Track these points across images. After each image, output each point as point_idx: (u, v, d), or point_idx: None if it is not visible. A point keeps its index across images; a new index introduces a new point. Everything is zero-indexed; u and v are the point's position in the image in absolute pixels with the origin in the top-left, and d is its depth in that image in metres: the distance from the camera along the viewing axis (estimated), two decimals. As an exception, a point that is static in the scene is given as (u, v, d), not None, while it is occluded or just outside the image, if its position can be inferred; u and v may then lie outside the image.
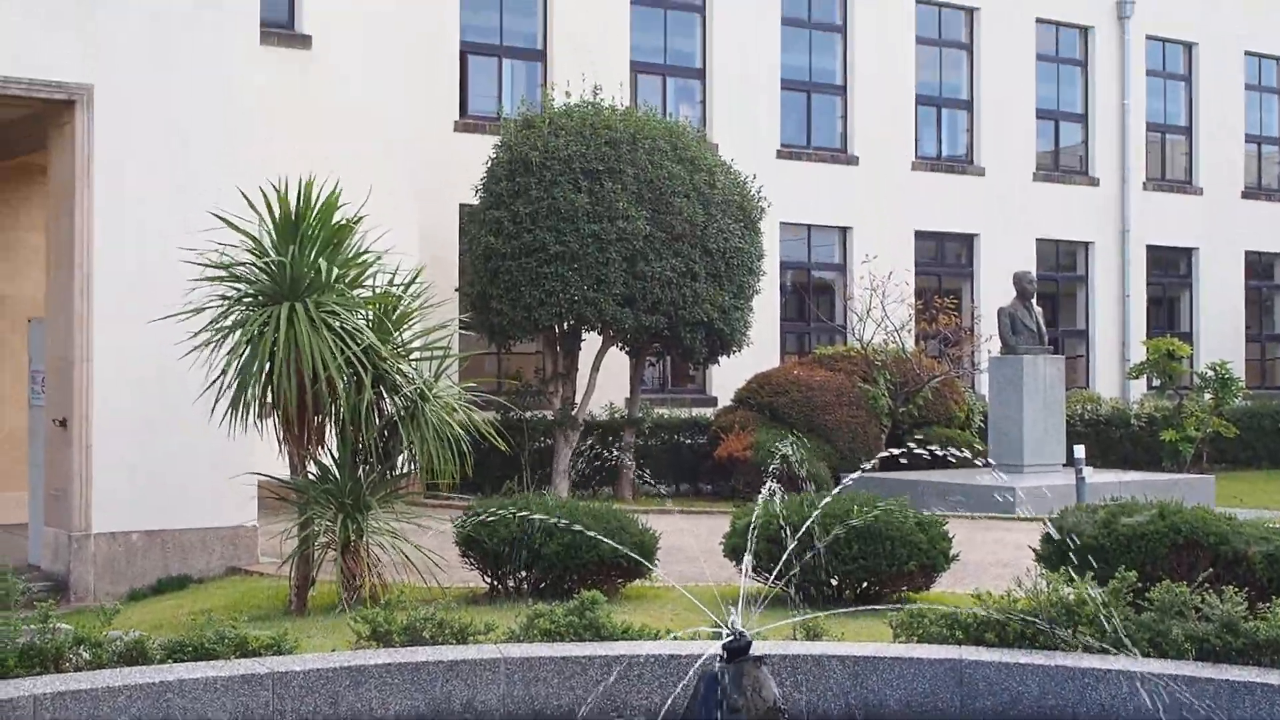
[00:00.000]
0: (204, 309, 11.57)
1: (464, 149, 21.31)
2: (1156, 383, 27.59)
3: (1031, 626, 8.06)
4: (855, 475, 10.60)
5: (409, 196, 19.14)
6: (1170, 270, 30.76)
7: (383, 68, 19.29)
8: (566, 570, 11.29)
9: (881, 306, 22.80)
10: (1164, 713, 7.39)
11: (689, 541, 12.39)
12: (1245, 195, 31.31)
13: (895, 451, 10.59)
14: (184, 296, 11.69)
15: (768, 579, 9.82)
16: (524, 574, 11.49)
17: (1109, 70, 29.32)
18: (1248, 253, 31.29)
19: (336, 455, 11.67)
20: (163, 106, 13.94)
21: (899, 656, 8.01)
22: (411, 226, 18.69)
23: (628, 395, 20.96)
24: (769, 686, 7.04)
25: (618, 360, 20.62)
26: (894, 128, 26.62)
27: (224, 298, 11.63)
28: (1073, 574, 8.30)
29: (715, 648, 7.08)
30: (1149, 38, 29.90)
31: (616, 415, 21.18)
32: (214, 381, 11.49)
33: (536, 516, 10.77)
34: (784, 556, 9.39)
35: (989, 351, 22.80)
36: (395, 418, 11.65)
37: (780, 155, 25.13)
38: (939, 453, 10.05)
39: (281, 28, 18.52)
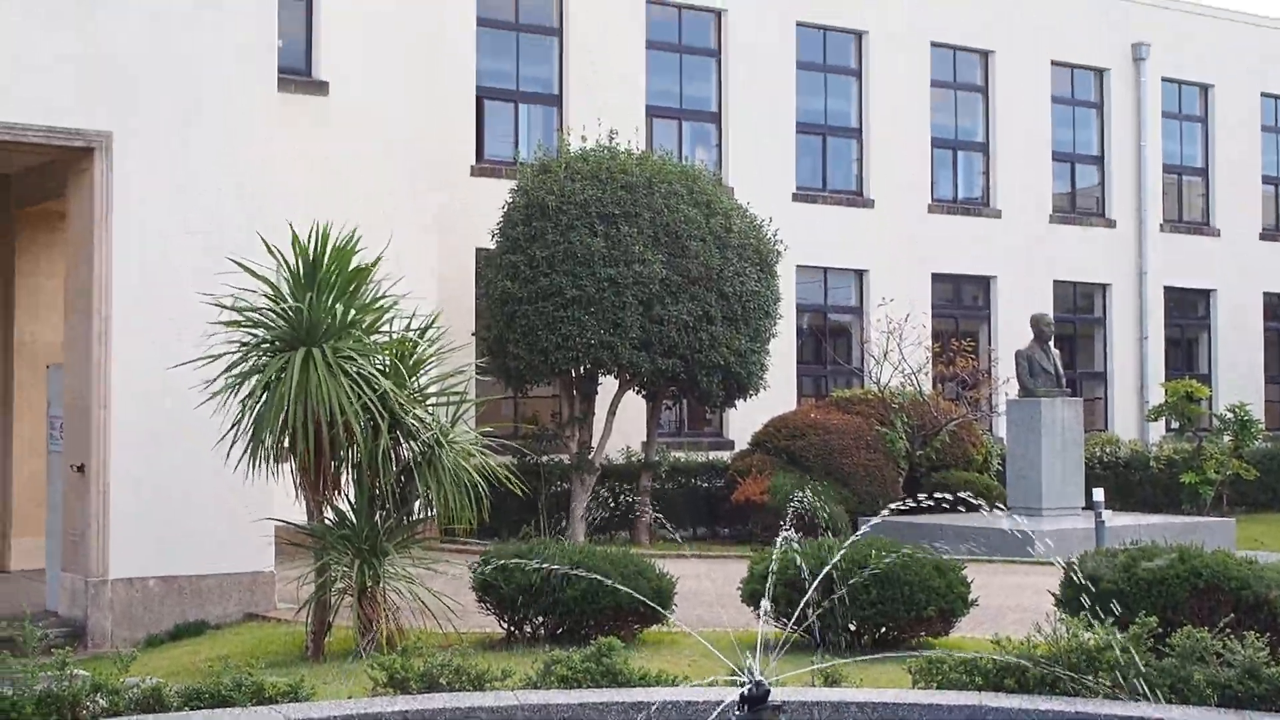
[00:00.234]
0: (221, 355, 11.59)
1: (481, 193, 21.36)
2: (1175, 425, 27.48)
3: (1051, 672, 8.00)
4: (874, 520, 10.56)
5: (426, 241, 19.19)
6: (1188, 312, 30.69)
7: (399, 113, 19.39)
8: (584, 615, 11.25)
9: (898, 349, 22.77)
10: (1186, 760, 7.33)
11: (706, 586, 12.34)
12: (1263, 236, 31.26)
13: (912, 502, 10.54)
14: (202, 342, 11.71)
15: (786, 624, 9.78)
16: (541, 619, 11.46)
17: (1125, 112, 29.35)
18: (1266, 294, 31.21)
19: (353, 500, 11.67)
20: (181, 154, 13.99)
21: (918, 703, 7.95)
22: (428, 271, 18.75)
23: (644, 439, 20.94)
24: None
25: (634, 404, 20.60)
26: (910, 170, 26.64)
27: (242, 343, 11.65)
28: (1093, 619, 8.25)
29: (734, 695, 7.03)
30: (1165, 80, 29.93)
31: (633, 459, 21.16)
32: (232, 427, 11.50)
33: (554, 567, 10.73)
34: (802, 602, 9.34)
35: (1007, 394, 22.75)
36: (412, 463, 11.64)
37: (796, 198, 25.15)
38: (955, 498, 10.00)
39: (299, 74, 18.63)
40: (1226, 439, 25.89)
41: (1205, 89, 30.73)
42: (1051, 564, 10.48)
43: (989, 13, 27.51)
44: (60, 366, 14.76)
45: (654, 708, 7.77)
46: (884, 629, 11.11)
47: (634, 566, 11.39)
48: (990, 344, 26.66)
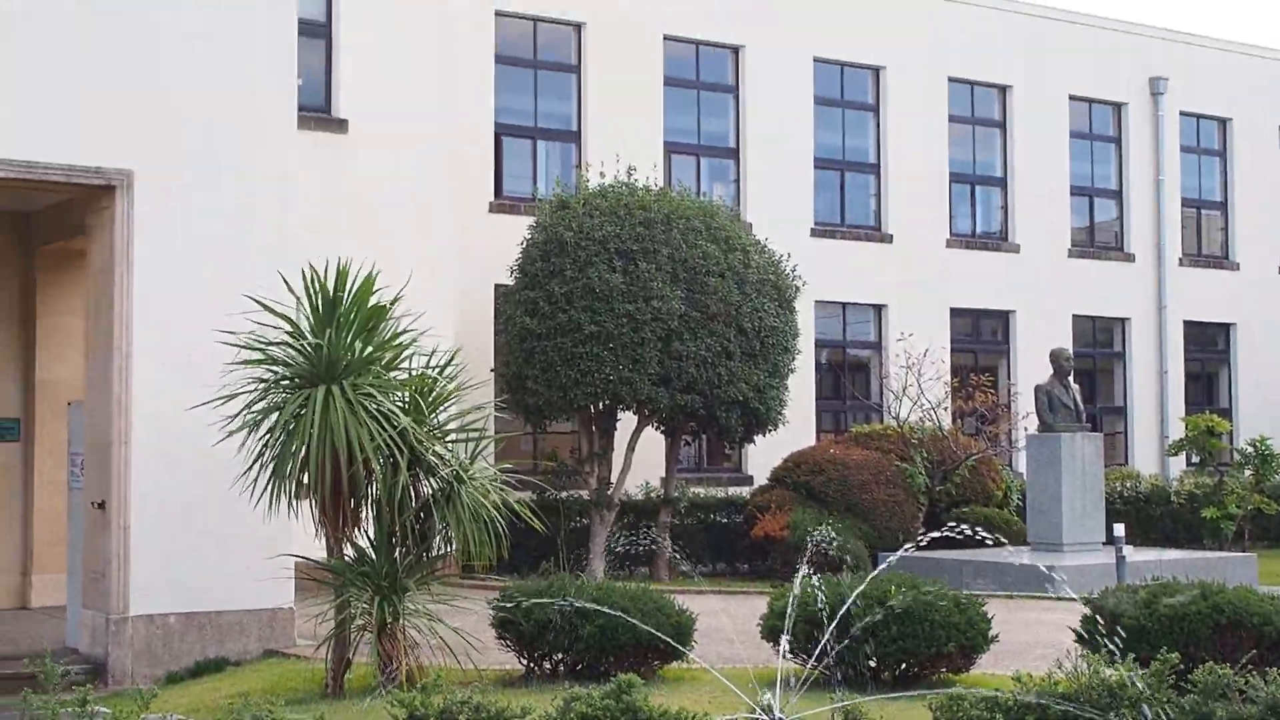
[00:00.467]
0: (240, 392, 11.62)
1: (499, 230, 21.43)
2: (1196, 459, 27.35)
3: (1073, 710, 7.96)
4: (894, 557, 10.53)
5: (445, 277, 19.24)
6: (1208, 346, 30.61)
7: (418, 149, 19.45)
8: (603, 652, 11.24)
9: (918, 384, 22.76)
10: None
11: (726, 622, 12.31)
12: (1283, 270, 31.24)
13: (932, 535, 10.52)
14: (222, 379, 11.74)
15: (806, 661, 9.75)
16: (560, 656, 11.45)
17: (1143, 146, 29.35)
18: (1286, 327, 31.15)
19: (373, 537, 11.68)
20: (201, 192, 14.04)
21: (939, 740, 7.92)
22: (447, 307, 18.78)
23: (663, 474, 20.92)
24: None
25: (653, 440, 20.60)
26: (928, 205, 26.66)
27: (261, 380, 11.69)
28: (1114, 656, 8.21)
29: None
30: (1183, 114, 29.93)
31: (652, 494, 21.15)
32: (252, 464, 11.53)
33: (580, 603, 10.72)
34: (824, 639, 9.32)
35: (1026, 429, 22.70)
36: (431, 499, 11.66)
37: (814, 234, 25.18)
38: (973, 533, 9.98)
39: (318, 112, 18.72)
40: (1248, 473, 25.77)
41: (1223, 122, 30.73)
42: (1073, 600, 10.45)
43: (1006, 48, 27.56)
44: (81, 404, 14.82)
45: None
46: (904, 665, 11.07)
47: (653, 603, 11.37)
48: (1009, 379, 26.62)
